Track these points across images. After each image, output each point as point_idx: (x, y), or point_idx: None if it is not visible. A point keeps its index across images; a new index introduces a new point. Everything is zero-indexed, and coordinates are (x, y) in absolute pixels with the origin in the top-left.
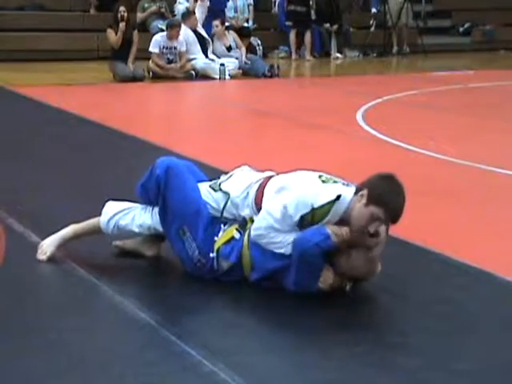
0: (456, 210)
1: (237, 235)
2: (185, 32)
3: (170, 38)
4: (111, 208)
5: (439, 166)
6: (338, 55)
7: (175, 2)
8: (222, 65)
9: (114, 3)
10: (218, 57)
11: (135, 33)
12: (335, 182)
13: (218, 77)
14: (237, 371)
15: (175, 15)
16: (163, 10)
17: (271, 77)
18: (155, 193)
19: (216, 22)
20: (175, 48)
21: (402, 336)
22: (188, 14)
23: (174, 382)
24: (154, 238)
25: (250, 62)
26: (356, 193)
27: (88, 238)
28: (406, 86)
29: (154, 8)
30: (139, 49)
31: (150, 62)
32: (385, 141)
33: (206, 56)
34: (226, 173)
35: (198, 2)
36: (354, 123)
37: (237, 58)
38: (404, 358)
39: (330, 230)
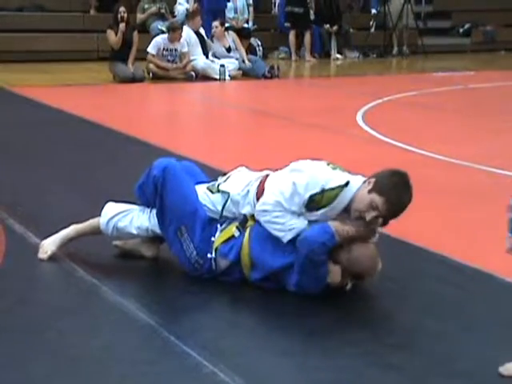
0: (456, 211)
1: (236, 233)
2: (187, 33)
3: (172, 40)
4: (110, 209)
5: (438, 167)
6: (338, 56)
7: (175, 3)
8: (222, 66)
9: (114, 4)
10: (218, 58)
11: (135, 33)
12: (343, 170)
13: (218, 77)
14: (237, 372)
15: (175, 16)
16: (163, 10)
17: (271, 78)
18: (153, 194)
19: (216, 23)
20: (176, 50)
21: (402, 336)
22: (192, 14)
23: (174, 382)
24: (154, 238)
25: (251, 64)
26: (366, 181)
27: (88, 238)
28: (406, 86)
29: (153, 9)
30: (139, 49)
31: (149, 62)
32: (384, 141)
33: (207, 57)
34: (225, 173)
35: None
36: (353, 124)
37: (237, 59)
38: (404, 358)
39: (334, 227)
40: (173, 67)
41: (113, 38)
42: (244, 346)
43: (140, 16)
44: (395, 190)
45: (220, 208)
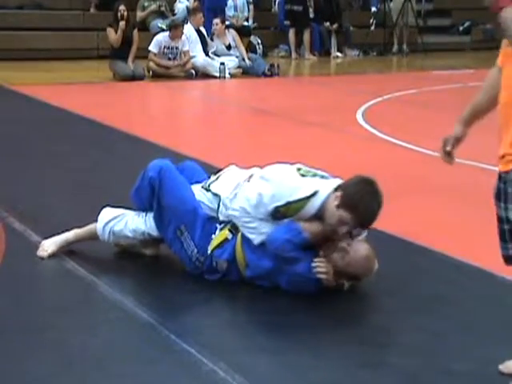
0: (456, 209)
1: (229, 236)
2: (188, 30)
3: (173, 38)
4: (106, 214)
5: (438, 165)
6: (338, 54)
7: (175, 1)
8: (222, 64)
9: (114, 2)
10: (218, 55)
11: (135, 32)
12: (314, 175)
13: (218, 75)
14: (237, 370)
15: (175, 14)
16: (163, 8)
17: (271, 76)
18: (149, 196)
19: (216, 21)
20: (177, 48)
21: (401, 336)
22: (194, 11)
23: (174, 380)
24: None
25: (251, 62)
26: (336, 189)
27: None
28: (406, 84)
29: (153, 7)
30: (139, 48)
31: (150, 61)
32: (384, 139)
33: (207, 55)
34: (218, 171)
35: None
36: (354, 122)
37: (237, 57)
38: (402, 357)
39: (302, 225)
40: (174, 64)
41: (113, 36)
42: (244, 344)
43: (140, 14)
44: (362, 203)
45: (216, 206)
